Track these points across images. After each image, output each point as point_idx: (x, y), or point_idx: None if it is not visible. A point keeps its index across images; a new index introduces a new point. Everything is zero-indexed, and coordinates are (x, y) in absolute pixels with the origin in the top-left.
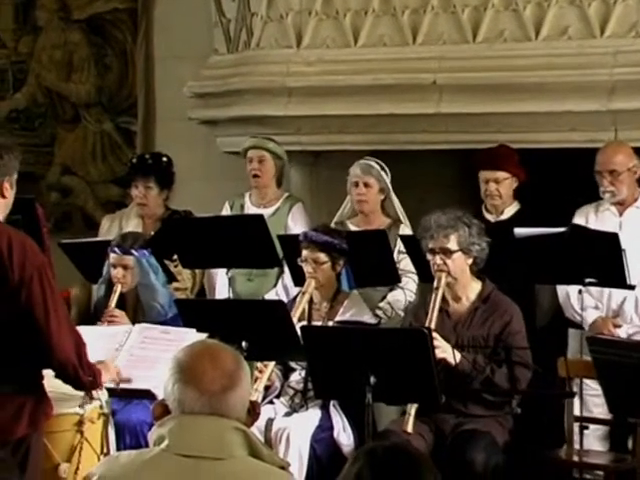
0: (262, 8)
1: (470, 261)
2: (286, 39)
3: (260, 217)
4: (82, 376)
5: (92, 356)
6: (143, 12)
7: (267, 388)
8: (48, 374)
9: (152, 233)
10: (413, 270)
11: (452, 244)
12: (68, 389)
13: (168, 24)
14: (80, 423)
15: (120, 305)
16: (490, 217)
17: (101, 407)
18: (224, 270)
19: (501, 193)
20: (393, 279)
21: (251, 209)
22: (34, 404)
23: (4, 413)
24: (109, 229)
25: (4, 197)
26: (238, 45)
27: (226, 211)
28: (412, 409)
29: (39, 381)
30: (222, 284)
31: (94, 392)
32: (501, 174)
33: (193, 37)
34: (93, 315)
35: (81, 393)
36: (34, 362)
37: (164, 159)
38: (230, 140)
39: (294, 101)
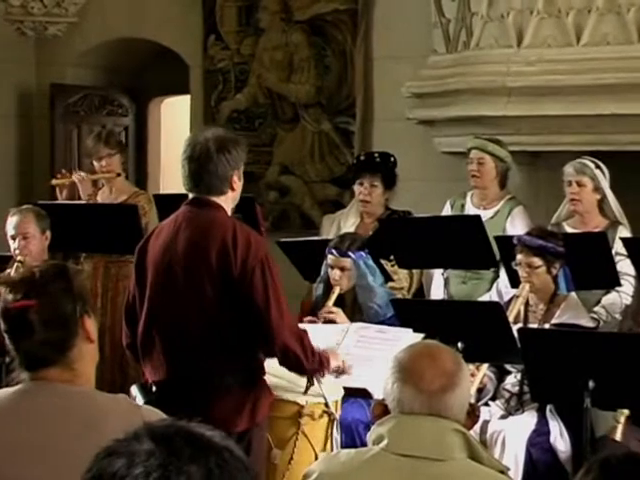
0: (483, 8)
1: None
2: (506, 39)
3: (477, 218)
4: (304, 362)
5: None
6: (363, 13)
7: (480, 391)
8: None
9: (370, 233)
10: (631, 273)
11: None
12: (293, 377)
13: (388, 25)
14: (299, 414)
15: (339, 304)
16: None
17: (326, 405)
18: (441, 270)
19: None
20: (613, 282)
21: (471, 210)
22: (255, 398)
23: (225, 406)
24: (329, 230)
25: (233, 190)
26: (457, 45)
27: (447, 210)
28: (622, 417)
29: (260, 375)
30: (437, 285)
31: (318, 385)
32: None
33: (412, 37)
34: (311, 312)
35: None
36: (255, 356)
37: (392, 159)
38: (448, 140)
39: (513, 101)
